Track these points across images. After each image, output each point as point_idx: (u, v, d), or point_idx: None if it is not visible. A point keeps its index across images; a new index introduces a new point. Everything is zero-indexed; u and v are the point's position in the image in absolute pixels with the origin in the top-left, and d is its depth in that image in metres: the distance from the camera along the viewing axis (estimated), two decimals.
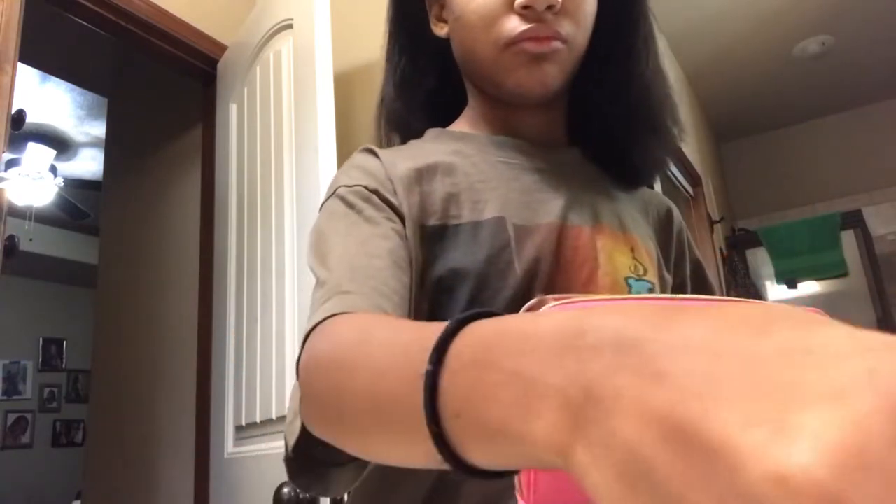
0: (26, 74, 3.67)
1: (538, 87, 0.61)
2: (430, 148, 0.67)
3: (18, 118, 1.50)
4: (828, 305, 3.73)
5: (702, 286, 0.72)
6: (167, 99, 2.72)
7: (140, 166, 2.80)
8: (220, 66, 2.19)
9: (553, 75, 0.61)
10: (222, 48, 2.19)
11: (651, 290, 0.61)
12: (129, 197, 2.84)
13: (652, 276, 0.63)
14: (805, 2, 3.20)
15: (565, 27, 0.60)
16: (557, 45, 0.60)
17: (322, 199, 0.63)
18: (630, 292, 0.59)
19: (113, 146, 3.09)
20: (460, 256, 0.59)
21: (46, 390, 5.92)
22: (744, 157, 4.55)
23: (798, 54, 3.62)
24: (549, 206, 0.63)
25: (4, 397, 5.61)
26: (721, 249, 3.58)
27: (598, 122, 0.68)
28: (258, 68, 1.91)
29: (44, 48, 3.26)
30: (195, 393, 2.08)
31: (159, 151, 2.70)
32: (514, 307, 0.51)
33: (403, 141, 0.75)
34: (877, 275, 3.52)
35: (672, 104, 0.68)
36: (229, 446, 1.78)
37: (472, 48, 0.64)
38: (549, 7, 0.58)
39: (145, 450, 2.41)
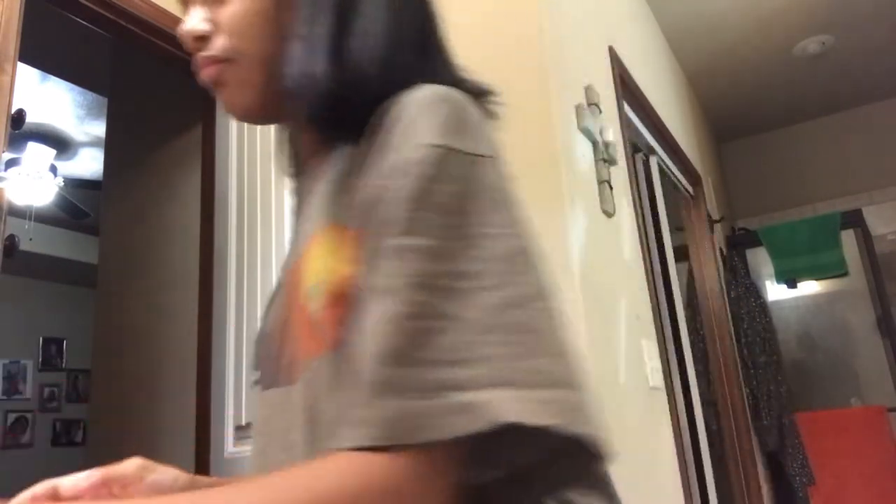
0: (26, 74, 3.67)
1: (231, 110, 0.59)
2: None
3: (18, 118, 1.50)
4: (828, 305, 3.74)
5: None
6: (167, 99, 2.72)
7: (140, 166, 2.80)
8: None
9: (235, 95, 0.58)
10: None
11: (316, 286, 0.50)
12: (129, 197, 2.84)
13: (321, 266, 0.50)
14: (805, 2, 3.20)
15: (217, 47, 0.57)
16: (213, 70, 0.57)
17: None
18: (311, 300, 0.50)
19: (113, 146, 3.09)
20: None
21: (46, 390, 5.92)
22: (744, 157, 4.54)
23: (798, 54, 3.62)
24: (299, 239, 0.57)
25: (4, 397, 5.61)
26: (721, 249, 3.58)
27: None
28: None
29: (44, 48, 3.26)
30: (195, 393, 2.08)
31: (159, 151, 2.70)
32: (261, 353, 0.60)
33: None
34: (877, 274, 3.52)
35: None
36: (229, 446, 1.78)
37: None
38: (198, 38, 0.57)
39: (145, 449, 2.40)
